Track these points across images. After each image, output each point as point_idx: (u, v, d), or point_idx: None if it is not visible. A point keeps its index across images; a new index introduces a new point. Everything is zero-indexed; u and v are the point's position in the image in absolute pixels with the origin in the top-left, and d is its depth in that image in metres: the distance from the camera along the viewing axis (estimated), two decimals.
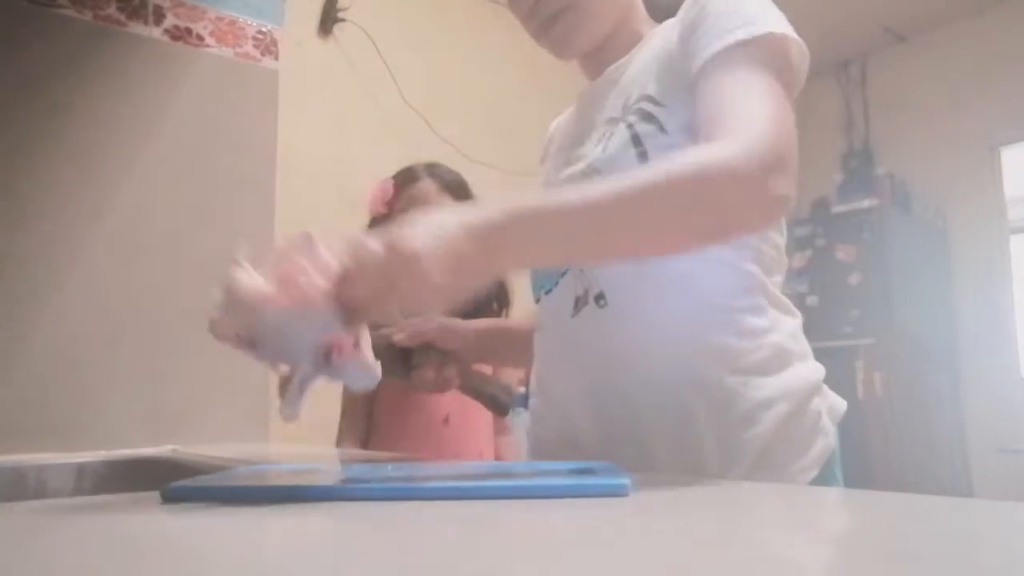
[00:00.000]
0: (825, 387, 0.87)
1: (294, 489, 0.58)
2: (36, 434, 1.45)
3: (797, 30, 0.80)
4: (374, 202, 1.65)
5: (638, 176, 0.65)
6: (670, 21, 0.89)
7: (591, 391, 0.83)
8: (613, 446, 0.81)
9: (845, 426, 0.89)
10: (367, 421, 1.63)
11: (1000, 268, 3.82)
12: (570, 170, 0.88)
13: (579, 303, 0.84)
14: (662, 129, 0.79)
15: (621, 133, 0.83)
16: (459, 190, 1.60)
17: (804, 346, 0.86)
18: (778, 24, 0.78)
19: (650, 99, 0.82)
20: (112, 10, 1.69)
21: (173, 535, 0.48)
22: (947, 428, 3.74)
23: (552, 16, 0.86)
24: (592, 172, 0.83)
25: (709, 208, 0.66)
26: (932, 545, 0.42)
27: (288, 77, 2.10)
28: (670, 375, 0.79)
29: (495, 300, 1.71)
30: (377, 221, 1.67)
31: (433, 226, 0.60)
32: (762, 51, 0.76)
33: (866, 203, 3.67)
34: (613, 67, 0.91)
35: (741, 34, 0.76)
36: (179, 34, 1.83)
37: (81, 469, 1.36)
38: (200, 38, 1.87)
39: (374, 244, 0.60)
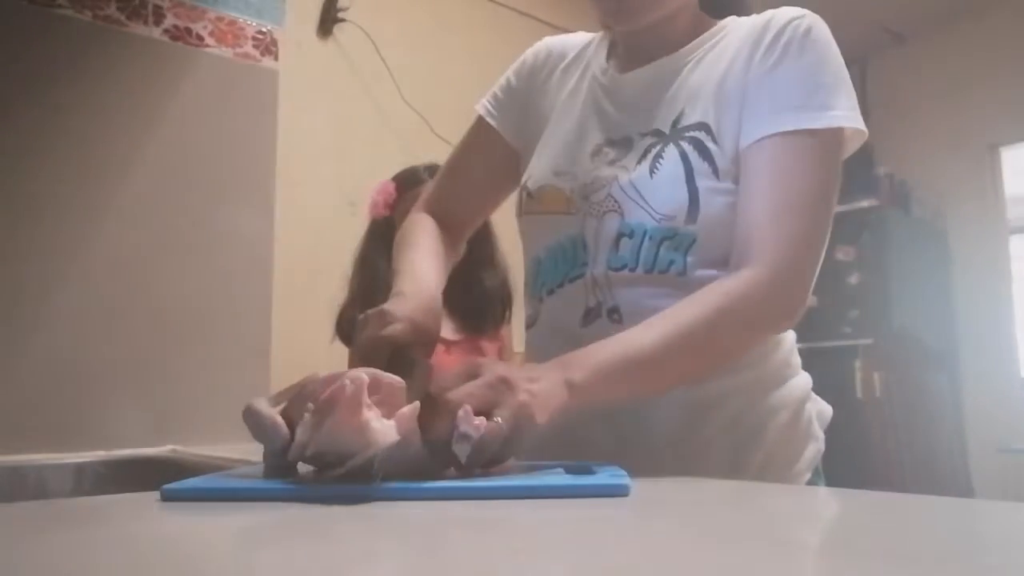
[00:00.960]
0: (813, 393, 0.89)
1: (294, 489, 0.58)
2: (36, 434, 1.45)
3: None
4: (376, 205, 1.64)
5: (685, 319, 0.73)
6: (734, 29, 0.86)
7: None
8: (620, 451, 0.81)
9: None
10: None
11: (1000, 268, 3.82)
12: (603, 172, 0.84)
13: (591, 314, 0.83)
14: (715, 173, 0.79)
15: (672, 160, 0.80)
16: None
17: (798, 358, 0.90)
18: (847, 112, 0.78)
19: (707, 131, 0.80)
20: (112, 10, 1.69)
21: (173, 535, 0.48)
22: (947, 428, 3.73)
23: None
24: (633, 192, 0.81)
25: (744, 339, 0.79)
26: (932, 545, 0.42)
27: (288, 77, 2.10)
28: (681, 389, 0.80)
29: (500, 302, 1.70)
30: (379, 224, 1.66)
31: (544, 385, 0.67)
32: (820, 144, 0.77)
33: (865, 203, 3.66)
34: (664, 62, 0.86)
35: (810, 120, 0.77)
36: (179, 34, 1.83)
37: (81, 469, 1.36)
38: (200, 38, 1.87)
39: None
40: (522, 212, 0.93)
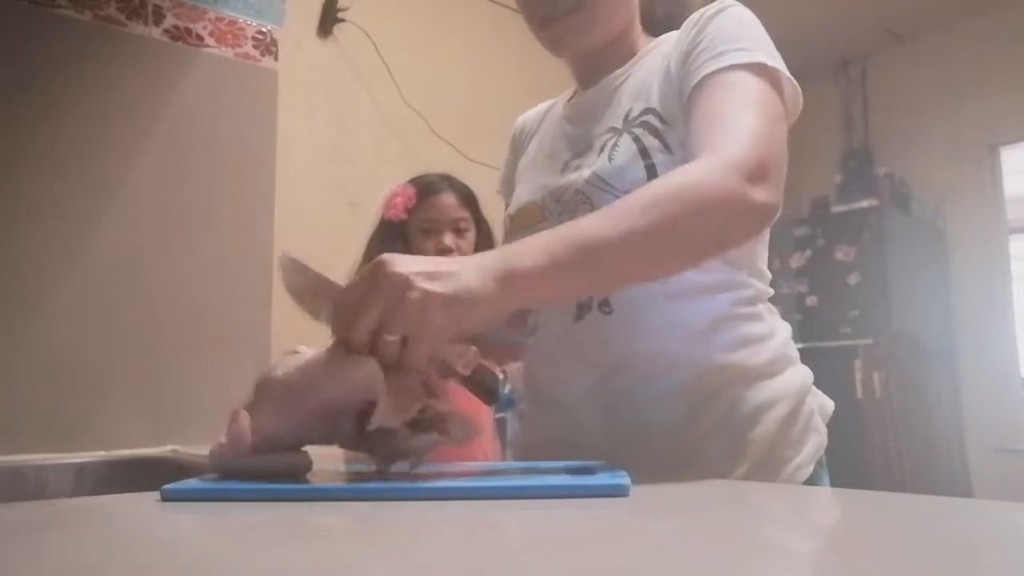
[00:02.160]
0: (814, 387, 0.90)
1: (293, 489, 0.58)
2: (36, 434, 1.45)
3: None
4: (395, 208, 1.67)
5: (628, 205, 0.68)
6: (668, 38, 0.91)
7: (598, 394, 0.83)
8: (619, 446, 0.81)
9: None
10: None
11: (999, 268, 3.82)
12: (571, 177, 0.88)
13: (583, 309, 0.85)
14: (667, 148, 0.81)
15: (627, 144, 0.83)
16: (474, 203, 1.64)
17: (795, 351, 0.90)
18: (772, 58, 0.80)
19: (656, 114, 0.84)
20: (112, 10, 1.69)
21: (173, 535, 0.48)
22: (946, 428, 3.73)
23: (565, 11, 0.86)
24: (598, 181, 0.84)
25: (698, 228, 0.70)
26: (931, 545, 0.42)
27: (288, 77, 2.10)
28: (677, 381, 0.81)
29: None
30: (392, 226, 1.68)
31: (459, 272, 0.62)
32: (752, 75, 0.79)
33: (865, 203, 3.67)
34: (609, 78, 0.91)
35: (736, 58, 0.79)
36: (179, 34, 1.83)
37: (81, 469, 1.36)
38: (200, 38, 1.87)
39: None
40: (506, 237, 0.98)
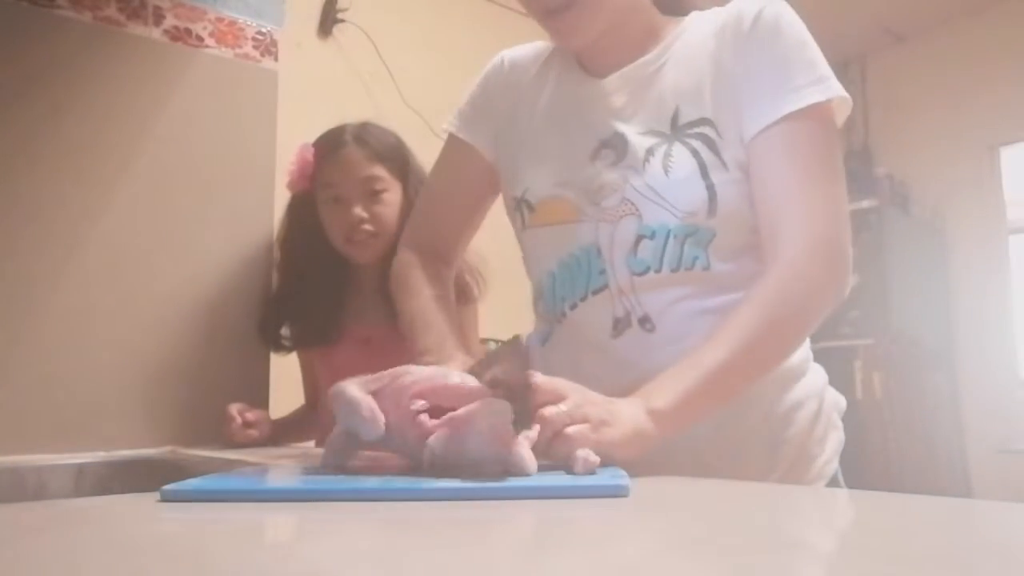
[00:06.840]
0: (828, 385, 0.93)
1: (293, 489, 0.58)
2: (36, 434, 1.45)
3: None
4: (292, 176, 1.42)
5: (748, 324, 0.74)
6: (698, 22, 0.87)
7: None
8: (667, 456, 0.81)
9: (844, 426, 0.91)
10: (313, 392, 1.52)
11: (999, 269, 3.82)
12: (608, 176, 0.83)
13: (620, 324, 0.83)
14: (724, 165, 0.81)
15: (683, 157, 0.81)
16: (394, 155, 1.41)
17: (810, 351, 0.92)
18: (835, 82, 0.81)
19: (711, 126, 0.82)
20: (112, 11, 1.69)
21: (173, 535, 0.48)
22: (946, 428, 3.73)
23: (559, 7, 0.82)
24: (651, 193, 0.81)
25: (806, 325, 0.79)
26: (931, 545, 0.42)
27: (288, 78, 2.09)
28: None
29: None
30: (297, 199, 1.46)
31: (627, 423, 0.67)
32: (821, 117, 0.80)
33: (865, 203, 3.67)
34: (638, 64, 0.86)
35: (807, 98, 0.78)
36: (179, 35, 1.83)
37: (81, 469, 1.36)
38: (200, 39, 1.87)
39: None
40: (525, 226, 0.91)
